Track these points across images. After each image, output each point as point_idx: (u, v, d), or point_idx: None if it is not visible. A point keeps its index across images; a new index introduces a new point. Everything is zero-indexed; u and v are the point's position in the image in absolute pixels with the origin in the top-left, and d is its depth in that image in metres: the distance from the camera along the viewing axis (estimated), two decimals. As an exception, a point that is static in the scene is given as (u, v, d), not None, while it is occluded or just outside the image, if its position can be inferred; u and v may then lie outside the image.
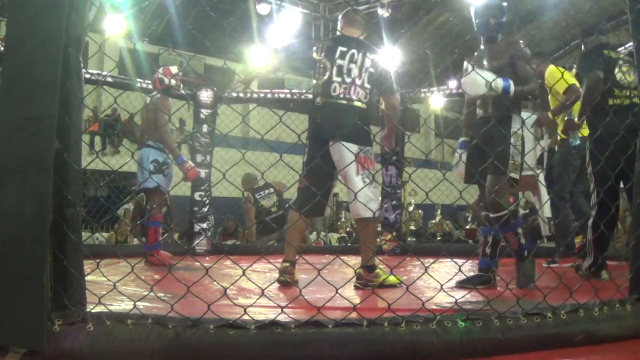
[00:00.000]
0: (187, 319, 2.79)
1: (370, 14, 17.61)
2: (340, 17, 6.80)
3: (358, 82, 6.11)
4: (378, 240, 12.94)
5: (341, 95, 6.10)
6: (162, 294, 4.87)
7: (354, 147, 5.85)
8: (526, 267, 5.79)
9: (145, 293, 3.42)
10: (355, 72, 6.14)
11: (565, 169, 8.19)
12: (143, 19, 23.33)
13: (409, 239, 14.64)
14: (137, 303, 3.04)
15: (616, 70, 6.46)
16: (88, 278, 3.02)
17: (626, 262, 3.94)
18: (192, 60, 25.82)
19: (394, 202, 12.34)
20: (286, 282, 6.11)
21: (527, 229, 10.14)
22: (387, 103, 6.46)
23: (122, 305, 4.09)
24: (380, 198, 6.01)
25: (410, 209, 16.54)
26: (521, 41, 5.96)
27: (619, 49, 8.34)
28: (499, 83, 5.48)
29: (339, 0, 18.41)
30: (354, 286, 6.03)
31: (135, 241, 13.70)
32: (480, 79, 5.46)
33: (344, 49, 6.20)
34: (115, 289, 3.15)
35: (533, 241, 9.49)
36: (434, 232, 16.67)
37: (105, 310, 2.91)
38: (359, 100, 6.10)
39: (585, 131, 7.45)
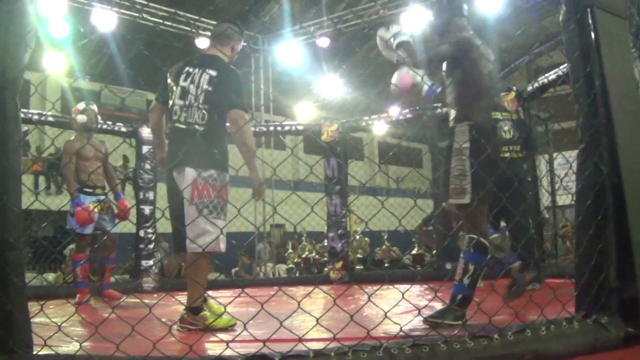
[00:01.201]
0: (132, 358, 2.78)
1: (311, 44, 17.71)
2: None
3: (194, 103, 5.68)
4: (326, 269, 12.93)
5: (181, 119, 5.70)
6: (110, 334, 4.84)
7: (190, 172, 5.50)
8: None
9: (91, 333, 3.40)
10: (193, 92, 5.70)
11: None
12: (84, 57, 23.22)
13: (357, 267, 14.63)
14: (84, 343, 3.03)
15: (498, 129, 8.06)
16: (36, 320, 3.00)
17: (571, 279, 3.99)
18: (134, 96, 25.68)
19: (339, 231, 12.35)
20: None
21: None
22: (229, 119, 5.72)
23: (71, 346, 4.05)
24: (222, 231, 5.32)
25: (357, 237, 16.55)
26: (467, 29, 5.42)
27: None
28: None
29: (278, 32, 18.49)
30: (177, 329, 5.50)
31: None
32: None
33: (190, 69, 5.82)
34: (61, 331, 3.13)
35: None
36: (381, 259, 16.68)
37: (53, 352, 2.89)
38: (196, 123, 5.64)
39: None
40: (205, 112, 5.64)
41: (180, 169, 5.57)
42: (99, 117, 9.58)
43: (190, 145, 5.44)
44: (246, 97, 5.73)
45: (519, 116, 8.81)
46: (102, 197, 9.23)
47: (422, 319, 4.89)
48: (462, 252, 5.09)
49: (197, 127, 5.63)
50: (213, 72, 5.72)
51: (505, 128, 8.23)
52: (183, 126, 5.71)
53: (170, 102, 5.86)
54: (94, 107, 9.46)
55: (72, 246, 15.16)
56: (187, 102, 5.72)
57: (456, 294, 5.02)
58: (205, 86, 5.68)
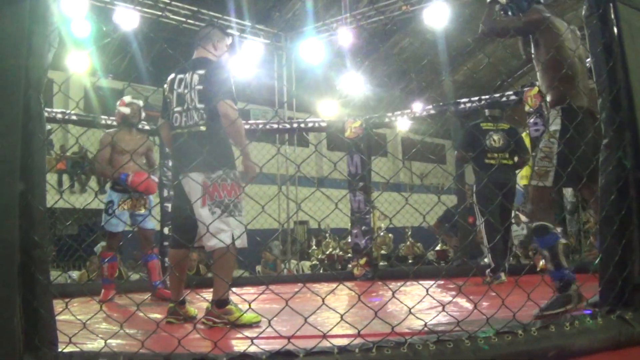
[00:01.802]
0: (158, 354, 2.79)
1: (333, 41, 17.71)
2: None
3: (191, 105, 5.77)
4: (350, 265, 12.95)
5: (182, 124, 5.82)
6: (135, 331, 4.85)
7: (198, 177, 5.59)
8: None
9: (116, 331, 3.42)
10: (188, 96, 5.79)
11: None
12: (107, 56, 23.28)
13: (381, 263, 14.61)
14: (109, 341, 3.04)
15: (488, 138, 9.58)
16: (61, 317, 3.02)
17: (595, 274, 3.97)
18: (157, 95, 25.59)
19: (363, 228, 12.33)
20: (173, 322, 5.86)
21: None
22: (220, 111, 5.64)
23: (96, 344, 4.06)
24: (239, 225, 5.56)
25: (381, 233, 16.49)
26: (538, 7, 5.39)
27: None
28: None
29: (300, 29, 18.49)
30: (202, 322, 5.62)
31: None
32: None
33: (182, 75, 5.92)
34: (86, 328, 3.15)
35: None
36: (405, 255, 16.64)
37: (78, 349, 2.91)
38: (196, 124, 5.73)
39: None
40: (203, 112, 5.71)
41: (188, 174, 5.61)
42: (143, 114, 9.40)
43: (194, 149, 5.45)
44: (236, 89, 5.71)
45: (511, 126, 10.00)
46: (135, 194, 8.97)
47: (535, 314, 4.68)
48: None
49: (197, 128, 5.72)
50: (202, 71, 5.79)
51: (495, 137, 9.65)
52: (184, 130, 5.78)
53: (170, 111, 5.94)
54: (140, 103, 9.33)
55: (103, 243, 15.17)
56: (184, 107, 5.80)
57: (552, 282, 4.92)
58: (197, 86, 5.75)
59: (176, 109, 5.87)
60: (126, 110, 9.08)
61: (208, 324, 5.55)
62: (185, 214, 5.60)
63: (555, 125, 5.02)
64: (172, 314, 5.93)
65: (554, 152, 4.96)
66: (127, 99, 9.25)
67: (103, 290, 9.02)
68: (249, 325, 5.49)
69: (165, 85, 6.07)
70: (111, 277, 9.23)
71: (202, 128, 5.69)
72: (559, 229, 5.04)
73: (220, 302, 5.56)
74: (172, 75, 6.02)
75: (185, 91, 5.81)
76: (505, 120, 10.18)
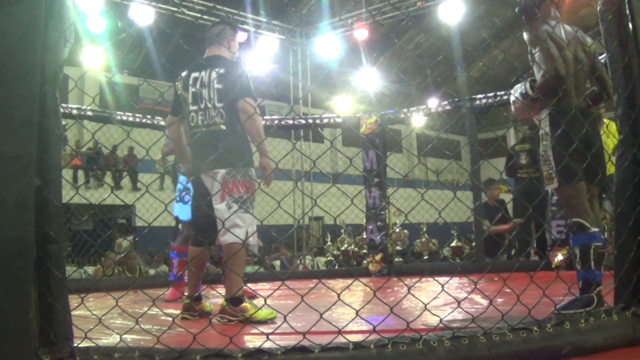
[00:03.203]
0: (173, 350, 2.79)
1: (349, 36, 17.70)
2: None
3: (210, 104, 5.76)
4: (366, 261, 12.95)
5: (200, 123, 5.81)
6: (150, 326, 4.86)
7: (218, 173, 5.64)
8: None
9: (132, 326, 3.42)
10: (206, 94, 5.78)
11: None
12: (122, 51, 23.32)
13: (396, 259, 14.58)
14: (124, 336, 3.04)
15: (519, 157, 11.74)
16: (76, 312, 3.02)
17: (610, 271, 3.96)
18: (172, 90, 25.59)
19: (378, 223, 12.31)
20: (188, 318, 5.85)
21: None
22: (239, 109, 5.71)
23: (111, 339, 4.07)
24: (252, 223, 5.62)
25: (397, 229, 16.46)
26: (549, 22, 4.92)
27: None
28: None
29: (316, 25, 18.48)
30: (217, 320, 5.52)
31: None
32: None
33: (196, 74, 5.90)
34: (101, 323, 3.15)
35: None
36: (420, 251, 16.63)
37: (93, 344, 2.91)
38: (215, 123, 5.73)
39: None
40: (222, 111, 5.71)
41: (208, 171, 5.64)
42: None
43: (214, 147, 5.38)
44: (253, 86, 5.72)
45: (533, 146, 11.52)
46: None
47: (555, 312, 4.60)
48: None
49: (216, 127, 5.72)
50: (220, 70, 5.79)
51: (523, 156, 11.71)
52: (203, 129, 5.76)
53: (185, 111, 5.92)
54: None
55: (130, 238, 15.01)
56: (202, 106, 5.80)
57: (578, 281, 4.81)
58: (216, 85, 5.75)
59: (192, 108, 5.86)
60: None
61: (223, 321, 5.54)
62: (206, 212, 5.62)
63: (544, 129, 4.98)
64: (187, 310, 5.94)
65: (550, 155, 4.92)
66: None
67: (171, 289, 8.42)
68: (264, 322, 5.48)
69: (177, 83, 6.06)
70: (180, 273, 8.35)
71: (222, 127, 5.70)
72: (596, 229, 4.89)
73: (235, 300, 5.56)
74: (185, 73, 6.01)
75: (203, 90, 5.80)
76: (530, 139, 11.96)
